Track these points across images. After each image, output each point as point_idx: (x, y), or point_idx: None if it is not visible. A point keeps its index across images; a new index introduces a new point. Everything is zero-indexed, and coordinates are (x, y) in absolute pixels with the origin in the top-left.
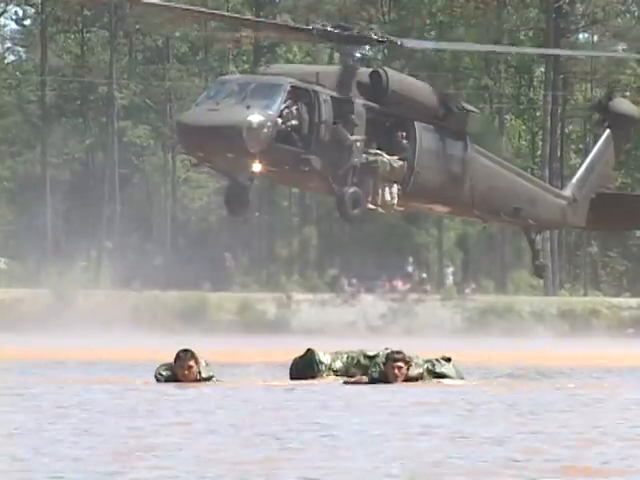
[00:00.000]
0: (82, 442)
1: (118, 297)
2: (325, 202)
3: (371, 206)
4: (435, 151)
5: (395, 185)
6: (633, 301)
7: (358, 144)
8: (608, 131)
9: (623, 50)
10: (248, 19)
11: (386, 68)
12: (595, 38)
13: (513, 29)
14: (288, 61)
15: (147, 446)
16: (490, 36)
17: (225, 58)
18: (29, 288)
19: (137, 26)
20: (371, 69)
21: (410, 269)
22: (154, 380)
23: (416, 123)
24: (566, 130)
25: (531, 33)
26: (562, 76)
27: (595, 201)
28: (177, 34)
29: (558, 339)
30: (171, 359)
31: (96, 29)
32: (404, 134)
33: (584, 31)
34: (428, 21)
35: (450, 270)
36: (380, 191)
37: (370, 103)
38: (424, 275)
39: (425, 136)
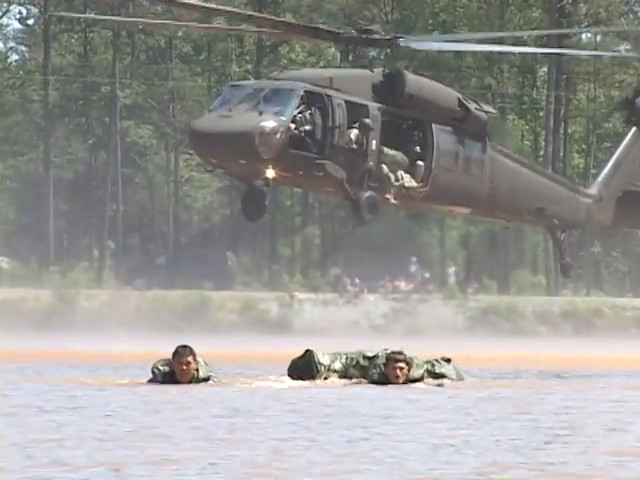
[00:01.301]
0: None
1: (120, 297)
2: (328, 202)
3: (393, 201)
4: (453, 153)
5: (409, 176)
6: (636, 301)
7: (373, 148)
8: (634, 129)
9: (626, 50)
10: (269, 18)
11: (402, 70)
12: (598, 38)
13: (516, 29)
14: (291, 61)
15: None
16: (490, 37)
17: (228, 58)
18: (31, 288)
19: (140, 26)
20: (387, 71)
21: (413, 269)
22: (150, 375)
23: (433, 125)
24: (569, 130)
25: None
26: (565, 76)
27: (622, 199)
28: (180, 34)
29: (560, 339)
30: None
31: (99, 29)
32: (421, 136)
33: (587, 31)
34: (431, 21)
35: (452, 270)
36: (396, 183)
37: (385, 106)
38: (427, 275)
39: (442, 138)
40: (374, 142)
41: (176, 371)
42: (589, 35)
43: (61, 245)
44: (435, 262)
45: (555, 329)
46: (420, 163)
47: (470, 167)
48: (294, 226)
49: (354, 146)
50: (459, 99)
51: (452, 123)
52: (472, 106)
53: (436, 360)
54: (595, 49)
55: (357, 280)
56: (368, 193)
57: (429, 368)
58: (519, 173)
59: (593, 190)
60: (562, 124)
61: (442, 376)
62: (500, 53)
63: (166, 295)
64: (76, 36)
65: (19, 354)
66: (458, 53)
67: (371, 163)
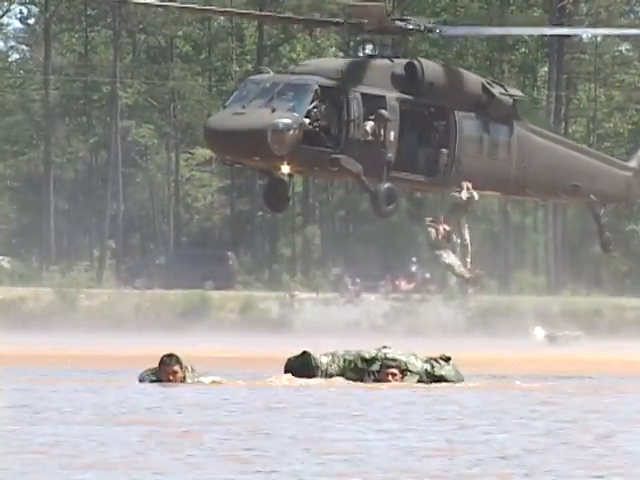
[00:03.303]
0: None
1: (121, 296)
2: (328, 201)
3: None
4: (477, 139)
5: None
6: (635, 301)
7: (391, 139)
8: None
9: (627, 50)
10: (290, 17)
11: (421, 59)
12: (599, 38)
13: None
14: (292, 60)
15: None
16: (494, 36)
17: (228, 57)
18: (32, 287)
19: (140, 25)
20: (406, 61)
21: (413, 269)
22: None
23: (456, 112)
24: (569, 130)
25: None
26: (566, 76)
27: None
28: (180, 33)
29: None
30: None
31: (100, 28)
32: (443, 124)
33: (589, 32)
34: (432, 20)
35: None
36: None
37: (405, 96)
38: (427, 275)
39: (466, 124)
40: (392, 133)
41: (163, 380)
42: (589, 35)
43: (62, 244)
44: (436, 262)
45: (555, 329)
46: (443, 151)
47: (496, 151)
48: (295, 226)
49: (371, 138)
50: (483, 84)
51: (476, 109)
52: (497, 91)
53: (435, 360)
54: (596, 48)
55: (357, 280)
56: (387, 185)
57: (428, 369)
58: (552, 151)
59: (633, 163)
60: (563, 124)
61: (441, 378)
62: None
63: (166, 295)
64: (77, 35)
65: (19, 353)
66: (459, 53)
67: (390, 155)
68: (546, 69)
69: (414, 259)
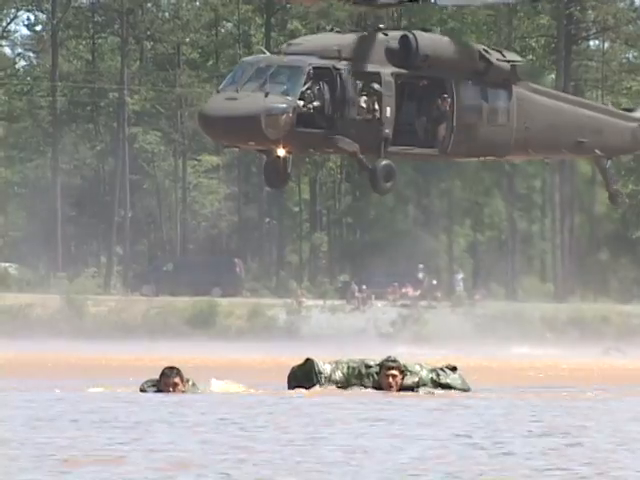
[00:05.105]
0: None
1: (128, 303)
2: (335, 208)
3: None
4: (476, 107)
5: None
6: None
7: (388, 115)
8: None
9: (634, 57)
10: None
11: (415, 31)
12: (606, 45)
13: (524, 36)
14: None
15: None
16: (501, 43)
17: (235, 64)
18: (39, 294)
19: (148, 32)
20: (400, 34)
21: (420, 276)
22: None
23: (453, 82)
24: None
25: (542, 40)
26: (573, 83)
27: None
28: (187, 40)
29: (567, 346)
30: (178, 365)
31: (107, 35)
32: (440, 95)
33: (595, 38)
34: (439, 28)
35: (460, 277)
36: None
37: (400, 70)
38: (434, 282)
39: (463, 94)
40: (388, 109)
41: (163, 392)
42: (597, 42)
43: (69, 251)
44: (443, 269)
45: (562, 336)
46: (442, 122)
47: (496, 117)
48: (302, 232)
49: (367, 116)
50: (479, 52)
51: (473, 77)
52: (494, 57)
53: (441, 369)
54: (603, 55)
55: (365, 287)
56: (385, 162)
57: (434, 377)
58: (555, 109)
59: (639, 113)
60: None
61: (447, 386)
62: None
63: (174, 301)
64: (84, 42)
65: (26, 360)
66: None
67: (387, 130)
68: (553, 76)
69: (421, 266)
